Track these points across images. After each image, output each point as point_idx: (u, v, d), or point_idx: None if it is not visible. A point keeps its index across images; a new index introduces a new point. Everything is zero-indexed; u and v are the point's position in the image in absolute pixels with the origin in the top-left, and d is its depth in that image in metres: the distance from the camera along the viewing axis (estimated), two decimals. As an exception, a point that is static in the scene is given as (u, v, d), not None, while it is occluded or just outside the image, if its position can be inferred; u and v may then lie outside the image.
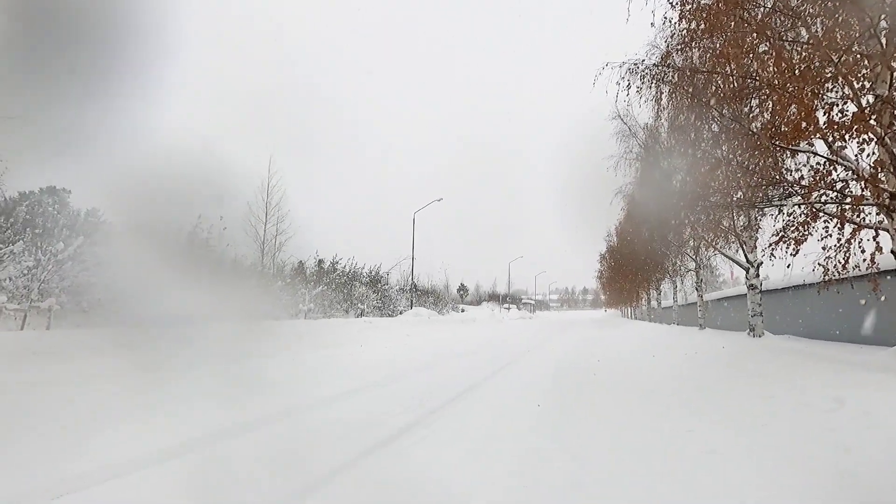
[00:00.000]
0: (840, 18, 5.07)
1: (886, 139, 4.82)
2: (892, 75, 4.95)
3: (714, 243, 11.03)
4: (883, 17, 4.96)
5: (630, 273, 24.82)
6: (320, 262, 22.20)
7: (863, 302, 7.62)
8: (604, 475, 2.74)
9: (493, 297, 61.39)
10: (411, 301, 26.62)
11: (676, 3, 6.37)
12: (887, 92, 4.95)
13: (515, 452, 3.12)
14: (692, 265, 16.14)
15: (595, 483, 2.63)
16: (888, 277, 6.57)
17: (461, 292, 54.61)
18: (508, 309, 49.31)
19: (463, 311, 38.15)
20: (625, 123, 15.22)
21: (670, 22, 6.47)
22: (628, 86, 6.86)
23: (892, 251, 5.14)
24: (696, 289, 16.17)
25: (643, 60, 7.11)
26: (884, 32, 4.95)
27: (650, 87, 7.05)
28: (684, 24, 6.41)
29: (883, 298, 5.65)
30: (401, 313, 24.44)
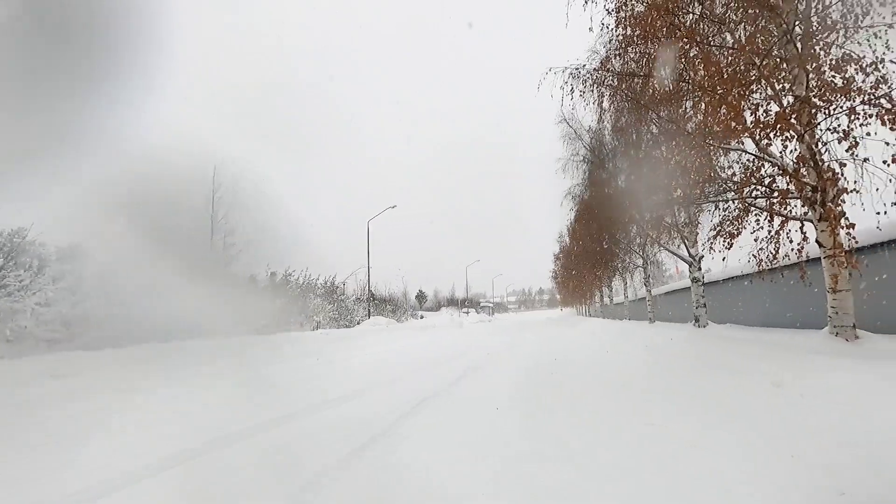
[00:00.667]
0: (760, 25, 5.42)
1: (806, 136, 5.17)
2: (807, 77, 5.33)
3: (658, 239, 11.51)
4: (797, 23, 5.34)
5: (582, 272, 25.57)
6: (272, 274, 21.50)
7: (784, 290, 8.15)
8: (570, 474, 2.76)
9: (452, 302, 61.61)
10: (368, 310, 26.22)
11: (612, 10, 6.62)
12: (804, 93, 5.32)
13: (487, 455, 3.08)
14: (640, 262, 16.80)
15: (559, 481, 2.63)
16: (815, 265, 7.07)
17: (420, 299, 54.45)
18: (467, 313, 49.59)
19: (422, 317, 38.01)
20: (570, 127, 15.71)
21: (608, 28, 6.70)
22: (571, 90, 7.06)
23: (816, 241, 5.51)
24: (645, 284, 16.82)
25: (584, 65, 7.34)
26: (799, 38, 5.33)
27: (592, 91, 7.27)
28: (620, 31, 6.66)
29: (811, 285, 6.05)
30: (358, 323, 24.01)
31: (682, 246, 11.07)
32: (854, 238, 5.04)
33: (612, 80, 7.14)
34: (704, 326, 10.45)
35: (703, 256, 10.67)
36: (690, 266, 10.95)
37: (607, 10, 6.61)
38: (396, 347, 13.49)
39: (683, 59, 5.99)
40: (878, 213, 4.73)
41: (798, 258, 5.77)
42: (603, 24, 6.69)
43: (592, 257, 20.04)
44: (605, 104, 7.51)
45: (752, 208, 6.14)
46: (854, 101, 4.85)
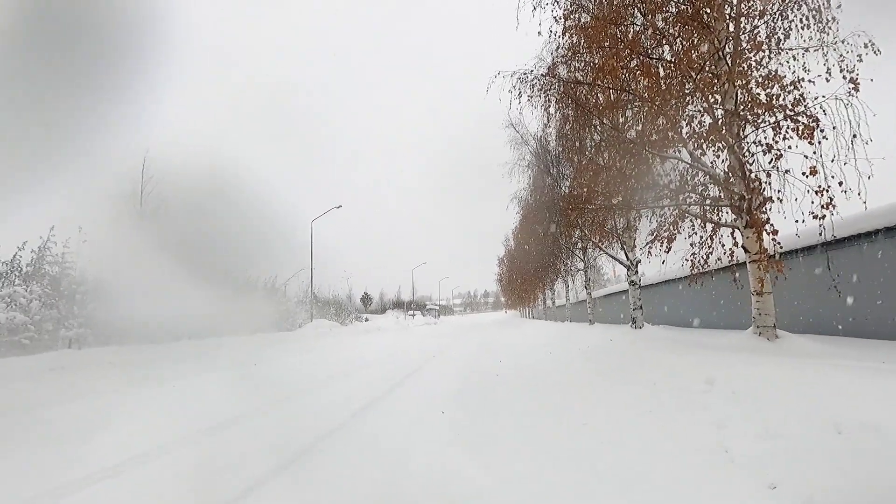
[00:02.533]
0: (695, 41, 5.72)
1: (735, 148, 5.50)
2: (737, 93, 5.68)
3: (600, 244, 11.92)
4: (728, 41, 5.68)
5: (527, 275, 26.13)
6: (208, 275, 20.29)
7: (713, 293, 8.68)
8: (509, 473, 2.72)
9: (398, 305, 61.13)
10: (311, 313, 25.42)
11: (560, 18, 6.76)
12: (734, 107, 5.67)
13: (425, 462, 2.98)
14: (581, 265, 17.37)
15: (497, 481, 2.58)
16: (744, 269, 7.56)
17: (365, 301, 53.59)
18: (413, 316, 49.37)
19: (367, 320, 37.38)
20: (517, 132, 16.01)
21: (555, 35, 6.84)
22: (519, 94, 7.13)
23: (742, 246, 5.87)
24: (586, 287, 17.41)
25: (532, 71, 7.45)
26: (729, 55, 5.67)
27: (540, 97, 7.39)
28: (567, 39, 6.83)
29: (741, 288, 6.44)
30: (300, 326, 23.20)
31: (621, 250, 11.53)
32: (779, 244, 5.41)
33: (559, 87, 7.29)
34: (641, 327, 10.92)
35: (640, 261, 11.15)
36: (628, 270, 11.42)
37: (555, 17, 6.75)
38: (340, 350, 13.12)
39: (625, 70, 6.21)
40: (797, 222, 5.09)
41: (730, 262, 6.12)
42: (551, 31, 6.82)
43: (536, 260, 20.52)
44: (552, 110, 7.67)
45: (687, 215, 6.46)
46: (777, 117, 5.21)
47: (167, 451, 3.47)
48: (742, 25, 5.67)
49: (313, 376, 7.38)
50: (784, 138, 5.21)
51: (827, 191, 4.86)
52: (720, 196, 5.90)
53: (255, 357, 10.71)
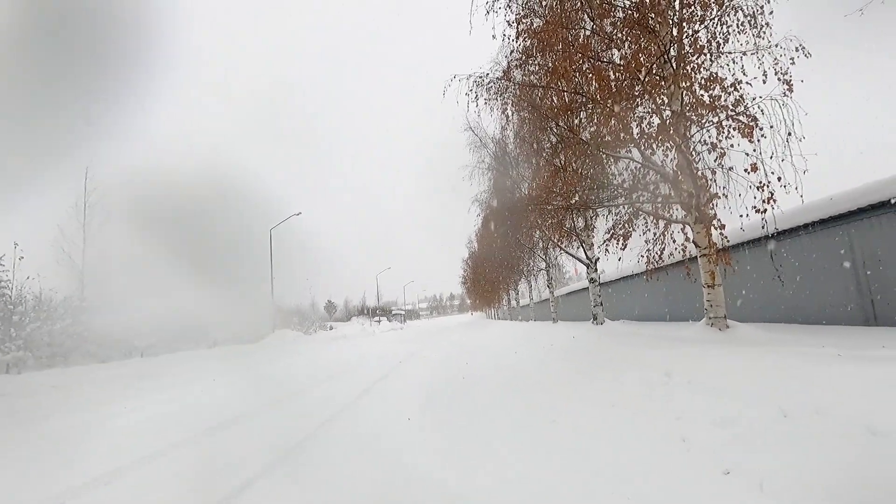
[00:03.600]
0: (642, 44, 5.92)
1: (682, 147, 5.73)
2: (682, 94, 5.92)
3: (560, 243, 12.15)
4: (673, 45, 5.92)
5: (491, 276, 26.36)
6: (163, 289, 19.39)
7: (669, 287, 9.01)
8: (473, 464, 2.70)
9: (363, 311, 60.36)
10: (274, 324, 24.73)
11: (513, 23, 6.87)
12: (680, 108, 5.91)
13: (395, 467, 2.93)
14: (543, 264, 17.67)
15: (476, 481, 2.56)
16: (696, 263, 7.88)
17: (329, 309, 52.63)
18: (379, 322, 48.85)
19: (332, 328, 36.69)
20: (476, 135, 16.13)
21: (509, 39, 6.94)
22: (476, 97, 7.18)
23: (693, 241, 6.11)
24: (548, 286, 17.71)
25: (487, 74, 7.52)
26: (674, 58, 5.91)
27: (496, 100, 7.47)
28: (521, 42, 6.93)
29: (695, 281, 6.71)
30: (263, 338, 22.52)
31: (581, 249, 11.80)
32: (726, 238, 5.67)
33: (515, 90, 7.40)
34: (602, 324, 11.20)
35: (598, 258, 11.44)
36: (588, 267, 11.69)
37: (508, 21, 6.84)
38: (307, 359, 12.80)
39: (578, 73, 6.37)
40: (741, 216, 5.35)
41: (683, 257, 6.36)
42: (505, 34, 6.91)
43: (499, 261, 20.74)
44: (509, 112, 7.77)
45: (641, 212, 6.67)
46: (720, 116, 5.46)
47: (109, 479, 3.26)
48: (684, 30, 5.93)
49: (284, 387, 7.16)
50: (727, 137, 5.47)
51: (767, 186, 5.13)
52: (670, 193, 6.13)
53: (212, 373, 10.28)
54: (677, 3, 5.89)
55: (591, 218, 10.18)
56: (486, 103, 7.51)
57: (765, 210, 5.17)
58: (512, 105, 7.71)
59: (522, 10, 6.86)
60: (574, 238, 11.35)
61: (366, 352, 14.40)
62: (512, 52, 7.44)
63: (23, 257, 9.71)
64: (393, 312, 62.40)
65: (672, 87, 5.92)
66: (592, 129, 6.78)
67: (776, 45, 5.84)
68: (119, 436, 4.56)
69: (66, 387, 7.62)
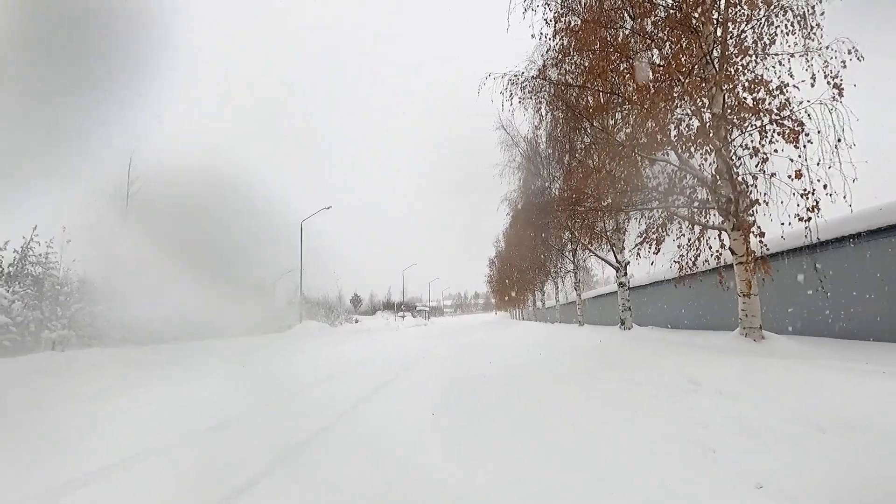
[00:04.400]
0: (684, 45, 5.78)
1: (723, 151, 5.56)
2: (724, 97, 5.75)
3: (589, 245, 11.98)
4: (716, 46, 5.75)
5: (517, 276, 26.19)
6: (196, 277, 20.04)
7: (701, 295, 8.76)
8: (494, 473, 2.71)
9: (388, 306, 60.96)
10: (301, 314, 25.25)
11: (550, 21, 6.80)
12: (721, 110, 5.73)
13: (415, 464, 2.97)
14: (571, 266, 17.46)
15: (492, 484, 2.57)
16: (731, 271, 7.65)
17: (355, 302, 53.36)
18: (403, 317, 49.23)
19: (357, 321, 37.22)
20: (508, 134, 16.05)
21: (546, 38, 6.87)
22: (510, 96, 7.15)
23: (729, 248, 5.93)
24: (575, 288, 17.49)
25: (523, 73, 7.48)
26: (717, 59, 5.74)
27: (530, 99, 7.42)
28: (558, 41, 6.86)
29: (728, 289, 6.52)
30: (290, 328, 23.03)
31: (611, 252, 11.61)
32: (766, 246, 5.48)
33: (550, 89, 7.33)
34: (629, 329, 11.00)
35: (629, 262, 11.24)
36: (617, 271, 11.49)
37: (545, 19, 6.78)
38: (331, 353, 13.03)
39: (615, 73, 6.26)
40: (783, 224, 5.16)
41: (717, 264, 6.18)
42: (542, 33, 6.85)
43: (526, 261, 20.58)
44: (543, 112, 7.70)
45: (675, 217, 6.52)
46: (763, 120, 5.28)
47: (155, 454, 3.41)
48: (729, 30, 5.74)
49: (304, 377, 7.32)
50: (770, 142, 5.27)
51: (812, 194, 4.93)
52: (708, 198, 5.96)
53: (243, 359, 10.59)
54: (722, 2, 5.72)
55: (623, 221, 10.00)
56: (520, 102, 7.47)
57: (808, 218, 4.97)
58: (546, 104, 7.64)
59: (561, 7, 6.78)
60: (604, 241, 11.18)
61: (391, 345, 14.55)
62: (548, 50, 7.37)
63: (70, 240, 10.20)
64: (417, 308, 62.76)
65: (714, 88, 5.75)
66: (628, 131, 6.66)
67: (826, 48, 5.59)
68: (167, 414, 4.80)
69: (104, 366, 7.99)
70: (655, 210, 6.92)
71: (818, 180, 4.95)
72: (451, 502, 2.49)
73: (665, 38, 6.00)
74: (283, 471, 2.97)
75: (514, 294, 33.20)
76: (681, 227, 6.57)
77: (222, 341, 15.78)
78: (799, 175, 5.02)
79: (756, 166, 5.51)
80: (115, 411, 4.93)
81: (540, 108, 7.63)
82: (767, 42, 5.98)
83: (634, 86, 5.93)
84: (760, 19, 5.87)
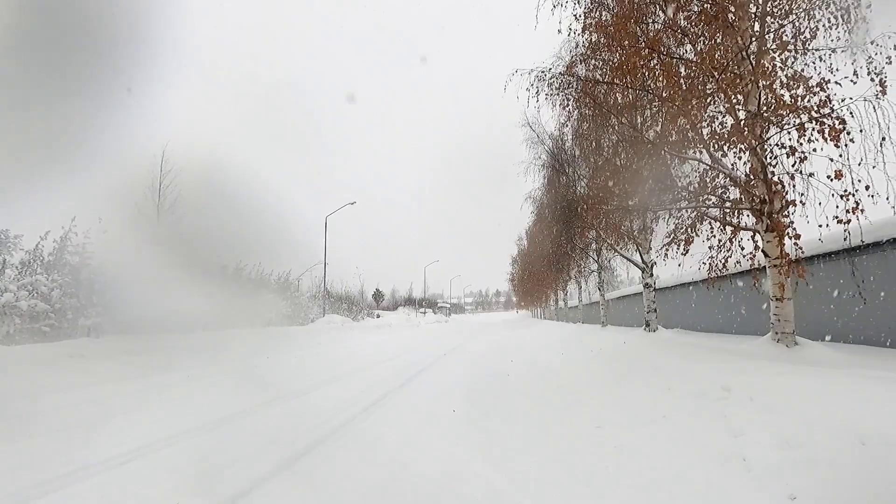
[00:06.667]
0: (718, 39, 5.59)
1: (758, 150, 5.37)
2: (760, 94, 5.54)
3: (615, 245, 11.78)
4: (753, 41, 5.55)
5: (539, 275, 25.97)
6: (223, 268, 20.52)
7: (730, 298, 8.50)
8: (519, 475, 2.69)
9: (410, 302, 61.26)
10: (324, 308, 25.60)
11: (580, 16, 6.68)
12: (757, 108, 5.53)
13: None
14: (595, 266, 17.19)
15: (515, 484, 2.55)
16: (761, 274, 7.41)
17: (377, 297, 53.81)
18: (424, 313, 49.44)
19: (378, 316, 37.55)
20: (533, 131, 15.89)
21: (574, 33, 6.76)
22: (537, 92, 7.07)
23: (762, 251, 5.74)
24: (599, 289, 17.23)
25: (550, 69, 7.37)
26: (753, 55, 5.53)
27: (557, 95, 7.31)
28: (587, 36, 6.74)
29: (761, 293, 6.31)
30: (312, 321, 23.39)
31: (636, 252, 11.37)
32: (801, 248, 5.28)
33: (577, 86, 7.20)
34: (655, 331, 10.78)
35: (655, 263, 10.99)
36: (643, 272, 11.26)
37: (575, 15, 6.67)
38: (353, 346, 13.19)
39: (645, 69, 6.10)
40: (821, 227, 4.95)
41: (750, 266, 5.99)
42: (570, 28, 6.74)
43: (549, 260, 20.36)
44: (570, 109, 7.58)
45: (706, 217, 6.34)
46: (802, 118, 5.07)
47: (180, 439, 3.50)
48: (768, 24, 5.54)
49: (329, 370, 7.43)
50: (809, 141, 5.06)
51: (853, 195, 4.71)
52: (740, 199, 5.77)
53: (266, 349, 10.80)
54: (761, -5, 5.52)
55: (651, 221, 9.79)
56: (546, 98, 7.37)
57: (848, 221, 4.76)
58: (573, 101, 7.52)
59: (592, 2, 6.66)
60: (630, 240, 10.97)
61: (413, 341, 14.64)
62: (576, 46, 7.26)
63: (106, 231, 10.53)
64: (439, 305, 62.95)
65: (750, 85, 5.55)
66: (657, 129, 6.50)
67: (871, 43, 5.32)
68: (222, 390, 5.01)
69: (149, 352, 8.32)
70: (685, 210, 6.74)
71: (859, 181, 4.73)
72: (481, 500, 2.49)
73: (699, 33, 5.82)
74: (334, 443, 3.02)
75: (536, 293, 32.95)
76: (711, 228, 6.39)
77: (248, 331, 16.10)
78: (839, 175, 4.80)
79: (793, 166, 5.30)
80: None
81: (567, 104, 7.50)
82: (808, 37, 5.73)
83: (665, 82, 5.77)
84: (801, 13, 5.63)
